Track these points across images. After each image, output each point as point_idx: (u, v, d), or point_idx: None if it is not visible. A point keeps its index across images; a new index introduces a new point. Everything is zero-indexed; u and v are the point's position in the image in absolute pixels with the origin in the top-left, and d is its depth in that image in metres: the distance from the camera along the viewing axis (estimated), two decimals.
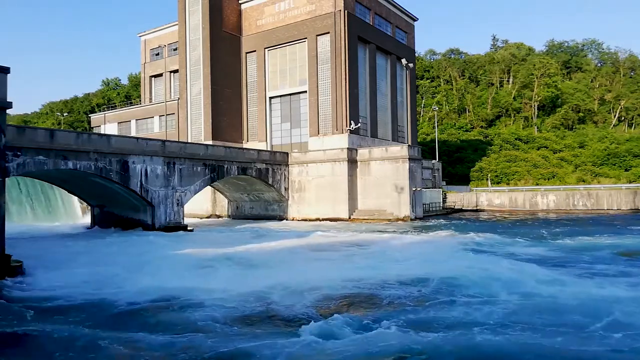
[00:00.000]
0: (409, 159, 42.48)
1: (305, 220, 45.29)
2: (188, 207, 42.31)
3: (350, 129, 50.55)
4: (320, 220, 44.05)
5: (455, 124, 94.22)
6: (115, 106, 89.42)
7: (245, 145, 57.20)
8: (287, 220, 46.54)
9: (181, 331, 10.72)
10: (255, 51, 58.19)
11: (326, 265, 20.00)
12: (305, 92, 54.40)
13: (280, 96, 57.14)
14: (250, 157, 42.98)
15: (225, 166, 40.08)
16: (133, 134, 64.57)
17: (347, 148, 45.11)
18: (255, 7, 58.68)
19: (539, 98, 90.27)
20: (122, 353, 9.54)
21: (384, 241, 27.36)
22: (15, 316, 12.18)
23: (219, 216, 51.88)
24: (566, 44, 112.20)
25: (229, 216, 51.01)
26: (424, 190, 52.48)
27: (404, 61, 60.23)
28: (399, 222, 41.60)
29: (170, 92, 67.22)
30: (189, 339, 10.15)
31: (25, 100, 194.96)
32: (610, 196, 54.38)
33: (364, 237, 29.74)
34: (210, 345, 9.70)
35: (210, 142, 51.75)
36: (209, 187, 44.78)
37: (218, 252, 22.37)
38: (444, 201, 61.62)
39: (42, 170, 27.32)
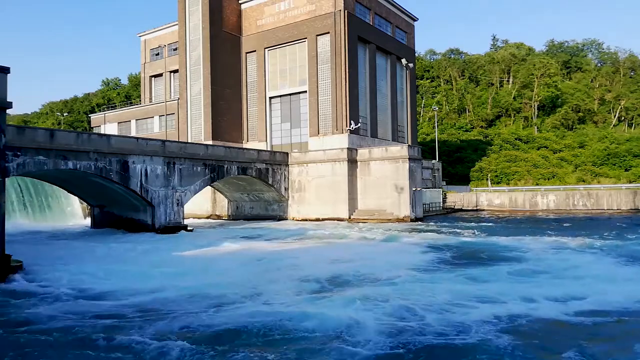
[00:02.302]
0: (409, 159, 42.46)
1: (306, 220, 45.26)
2: (188, 207, 42.34)
3: (350, 129, 50.54)
4: (320, 220, 44.03)
5: (455, 124, 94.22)
6: (115, 106, 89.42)
7: (245, 145, 57.19)
8: (287, 220, 46.54)
9: None
10: (255, 51, 58.18)
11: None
12: (305, 92, 54.39)
13: (280, 96, 57.12)
14: (250, 157, 42.97)
15: (225, 166, 40.07)
16: (133, 134, 64.55)
17: (347, 148, 45.09)
18: (255, 7, 58.67)
19: (539, 98, 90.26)
20: None
21: (526, 247, 23.49)
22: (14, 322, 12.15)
23: (219, 216, 51.85)
24: (566, 44, 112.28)
25: (229, 216, 50.98)
26: (424, 190, 52.48)
27: (404, 61, 60.21)
28: (400, 222, 41.59)
29: (170, 92, 67.21)
30: None
31: (25, 100, 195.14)
32: (610, 196, 54.37)
33: (463, 241, 27.00)
34: None
35: (210, 142, 51.73)
36: (209, 187, 44.76)
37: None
38: (444, 201, 61.63)
39: (42, 170, 27.30)
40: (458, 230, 33.30)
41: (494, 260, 20.23)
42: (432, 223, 40.89)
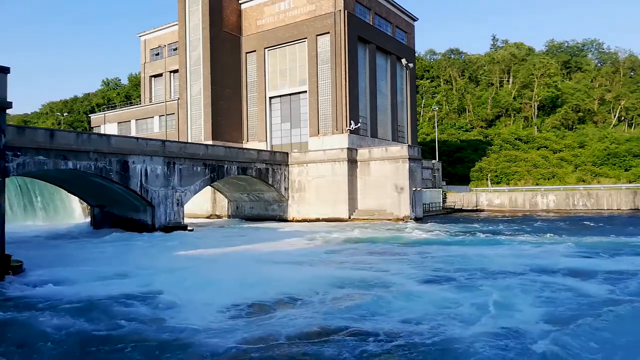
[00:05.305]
0: (409, 158, 42.47)
1: (305, 220, 45.27)
2: (188, 207, 42.30)
3: (350, 129, 50.55)
4: (320, 221, 44.03)
5: (455, 124, 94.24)
6: (115, 106, 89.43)
7: (245, 145, 57.19)
8: (287, 220, 46.53)
9: None
10: (255, 51, 58.19)
11: None
12: (305, 92, 54.39)
13: (280, 96, 57.13)
14: (250, 157, 42.97)
15: (225, 166, 40.07)
16: (133, 134, 64.55)
17: (347, 148, 45.10)
18: (255, 7, 58.67)
19: (539, 98, 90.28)
20: None
21: None
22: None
23: (218, 216, 51.86)
24: (566, 44, 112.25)
25: (229, 216, 50.99)
26: (424, 190, 52.47)
27: (404, 61, 60.22)
28: (400, 222, 41.56)
29: (170, 92, 67.21)
30: None
31: (25, 100, 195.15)
32: (610, 196, 54.38)
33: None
34: None
35: (210, 142, 51.74)
36: (209, 187, 44.77)
37: None
38: (444, 201, 61.62)
39: (42, 170, 27.30)
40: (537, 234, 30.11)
41: None
42: (447, 224, 40.74)
